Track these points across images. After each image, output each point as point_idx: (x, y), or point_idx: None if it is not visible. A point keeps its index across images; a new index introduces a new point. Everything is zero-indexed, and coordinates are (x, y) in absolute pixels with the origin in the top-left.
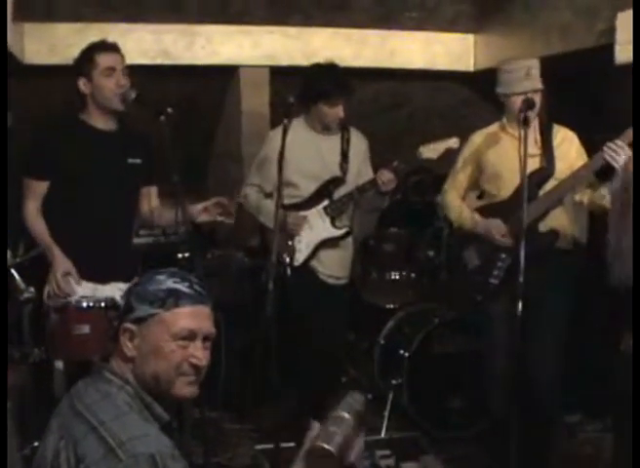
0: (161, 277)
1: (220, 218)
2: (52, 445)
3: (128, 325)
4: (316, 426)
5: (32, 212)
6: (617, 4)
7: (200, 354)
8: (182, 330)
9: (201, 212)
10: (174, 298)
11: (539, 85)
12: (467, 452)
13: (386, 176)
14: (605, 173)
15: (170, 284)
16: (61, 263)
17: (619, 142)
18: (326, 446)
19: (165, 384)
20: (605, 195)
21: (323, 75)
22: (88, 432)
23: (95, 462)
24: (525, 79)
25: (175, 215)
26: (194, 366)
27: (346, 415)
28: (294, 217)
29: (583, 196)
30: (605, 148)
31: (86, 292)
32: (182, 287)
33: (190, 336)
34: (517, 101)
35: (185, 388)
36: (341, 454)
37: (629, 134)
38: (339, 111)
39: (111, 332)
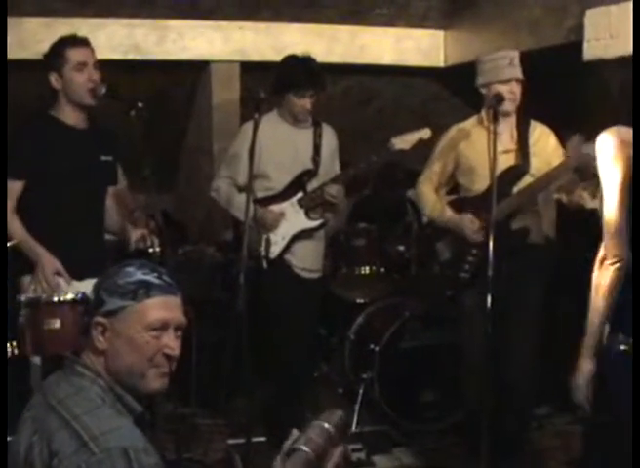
0: (130, 269)
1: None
2: (25, 439)
3: (99, 318)
4: (295, 433)
5: (8, 212)
6: (585, 1)
7: (173, 344)
8: (155, 321)
9: (139, 239)
10: (144, 290)
11: (521, 74)
12: (438, 445)
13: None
14: (582, 170)
15: (139, 275)
16: (50, 262)
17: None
18: (304, 447)
19: (138, 377)
20: (583, 194)
21: (295, 66)
22: (61, 426)
23: (67, 456)
24: (509, 67)
25: (122, 223)
26: (167, 356)
27: (326, 425)
28: (271, 214)
29: (562, 195)
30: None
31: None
32: (152, 278)
33: (163, 327)
34: (500, 90)
35: (158, 380)
36: (319, 462)
37: None
38: (306, 103)
39: (82, 327)
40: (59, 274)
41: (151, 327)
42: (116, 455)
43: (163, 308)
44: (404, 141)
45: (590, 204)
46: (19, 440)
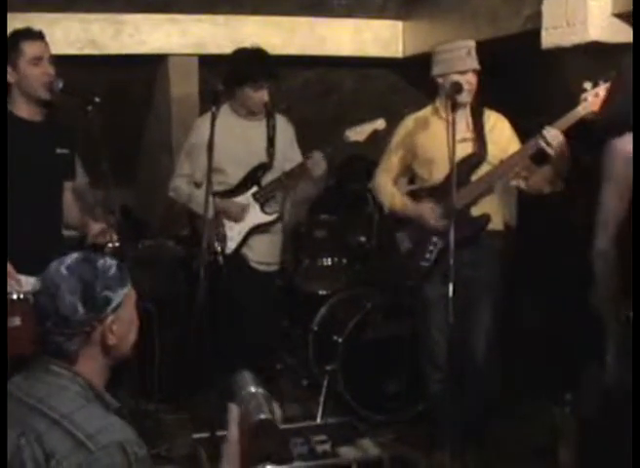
0: (100, 261)
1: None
2: (10, 442)
3: (110, 317)
4: (234, 408)
5: None
6: None
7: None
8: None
9: (98, 234)
10: (124, 271)
11: (477, 65)
12: (403, 435)
13: (316, 159)
14: (539, 156)
15: (110, 261)
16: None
17: (552, 130)
18: (264, 416)
19: (132, 349)
20: (541, 180)
21: (249, 59)
22: (50, 426)
23: (65, 456)
24: (466, 58)
25: (81, 218)
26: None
27: (254, 389)
28: (235, 205)
29: (520, 181)
30: (539, 137)
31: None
32: (115, 260)
33: None
34: (456, 80)
35: None
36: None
37: (566, 120)
38: (263, 95)
39: (79, 340)
40: (9, 276)
41: (137, 300)
42: (114, 451)
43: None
44: (358, 133)
45: (547, 189)
46: None
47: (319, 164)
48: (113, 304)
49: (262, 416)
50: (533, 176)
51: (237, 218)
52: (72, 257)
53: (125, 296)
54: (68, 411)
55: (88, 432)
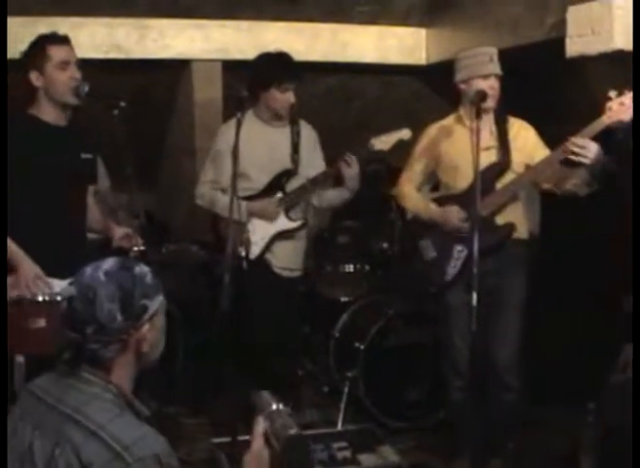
0: (137, 268)
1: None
2: (42, 450)
3: (146, 325)
4: (261, 421)
5: None
6: None
7: None
8: None
9: (123, 237)
10: (158, 278)
11: (500, 71)
12: (424, 443)
13: (350, 172)
14: (571, 161)
15: (145, 268)
16: (29, 268)
17: (579, 141)
18: (294, 431)
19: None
20: (578, 183)
21: (275, 62)
22: (88, 437)
23: (102, 467)
24: (489, 63)
25: (105, 222)
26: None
27: (276, 406)
28: (270, 204)
29: (554, 187)
30: (569, 146)
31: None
32: (147, 267)
33: None
34: (480, 85)
35: None
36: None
37: (591, 129)
38: (290, 97)
39: (116, 348)
40: (38, 278)
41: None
42: (151, 463)
43: None
44: (383, 142)
45: (583, 191)
46: (21, 446)
47: (354, 168)
48: (150, 312)
49: (292, 432)
50: (567, 180)
51: (272, 217)
52: (109, 263)
53: (160, 304)
54: (104, 422)
55: (124, 443)
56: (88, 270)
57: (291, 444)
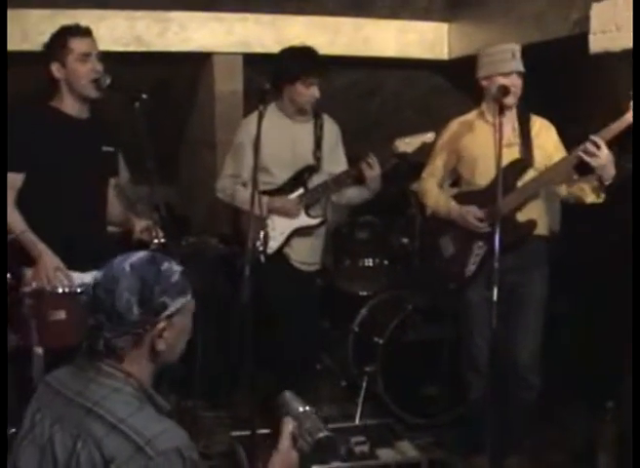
0: (165, 265)
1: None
2: (62, 444)
3: (163, 323)
4: (290, 422)
5: (8, 204)
6: None
7: None
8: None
9: (143, 230)
10: (188, 279)
11: (522, 68)
12: (442, 439)
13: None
14: (583, 166)
15: (175, 267)
16: (50, 260)
17: (596, 140)
18: (325, 434)
19: (179, 357)
20: (584, 188)
21: (300, 56)
22: (109, 431)
23: (124, 462)
24: (511, 60)
25: (125, 215)
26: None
27: (302, 408)
28: (290, 201)
29: (563, 189)
30: (583, 148)
31: (64, 281)
32: (180, 267)
33: None
34: (502, 82)
35: None
36: None
37: (609, 131)
38: (315, 92)
39: (130, 340)
40: (59, 270)
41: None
42: (173, 457)
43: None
44: (407, 144)
45: (590, 198)
46: (40, 437)
47: (375, 169)
48: (169, 311)
49: (323, 434)
50: (575, 186)
51: (292, 215)
52: (138, 256)
53: (183, 305)
54: (125, 415)
55: (146, 437)
56: (117, 260)
57: (322, 445)
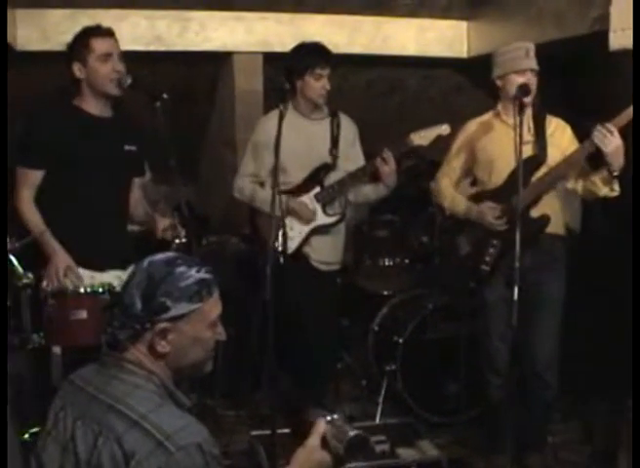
0: (183, 269)
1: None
2: (84, 440)
3: (163, 324)
4: (322, 422)
5: (27, 202)
6: None
7: (222, 329)
8: (216, 317)
9: (167, 229)
10: (206, 289)
11: (537, 66)
12: (462, 437)
13: (387, 170)
14: (596, 159)
15: (196, 274)
16: (62, 259)
17: (608, 126)
18: (356, 432)
19: (199, 368)
20: (595, 181)
21: (306, 50)
22: (130, 426)
23: (145, 457)
24: (525, 58)
25: (149, 214)
26: (217, 341)
27: (333, 416)
28: (305, 208)
29: (576, 184)
30: (595, 132)
31: (86, 281)
32: (206, 275)
33: (219, 318)
34: (517, 80)
35: (210, 364)
36: None
37: (621, 118)
38: (324, 84)
39: (129, 333)
40: (70, 270)
41: (213, 323)
42: (193, 452)
43: (219, 302)
44: (422, 137)
45: (603, 192)
46: (62, 436)
47: (390, 165)
48: (170, 313)
49: (353, 433)
50: (587, 179)
51: (307, 221)
52: (162, 255)
53: (192, 312)
54: (146, 411)
55: (166, 432)
56: (148, 258)
57: (353, 443)
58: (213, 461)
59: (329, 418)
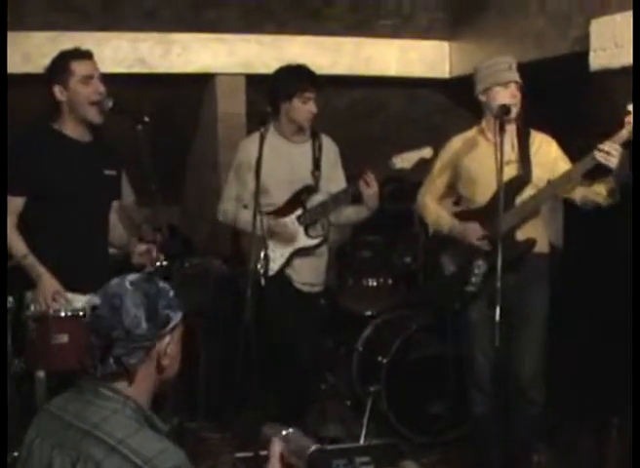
0: (160, 282)
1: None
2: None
3: (167, 337)
4: (277, 442)
5: (9, 228)
6: (590, 11)
7: None
8: None
9: (143, 253)
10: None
11: (519, 79)
12: (448, 457)
13: (369, 192)
14: (594, 173)
15: (169, 285)
16: (49, 284)
17: (610, 143)
18: (316, 447)
19: (173, 380)
20: (600, 192)
21: (294, 73)
22: (109, 452)
23: None
24: (508, 71)
25: (126, 238)
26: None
27: (290, 429)
28: (285, 230)
29: (574, 194)
30: (596, 152)
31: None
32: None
33: None
34: (500, 94)
35: None
36: None
37: (620, 136)
38: (312, 107)
39: (140, 355)
40: (58, 295)
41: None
42: None
43: None
44: (405, 160)
45: (606, 201)
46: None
47: (372, 187)
48: (172, 324)
49: (314, 448)
50: (589, 190)
51: (287, 242)
52: (134, 276)
53: (180, 319)
54: (124, 436)
55: (146, 457)
56: (114, 281)
57: (314, 459)
58: None
59: (284, 433)
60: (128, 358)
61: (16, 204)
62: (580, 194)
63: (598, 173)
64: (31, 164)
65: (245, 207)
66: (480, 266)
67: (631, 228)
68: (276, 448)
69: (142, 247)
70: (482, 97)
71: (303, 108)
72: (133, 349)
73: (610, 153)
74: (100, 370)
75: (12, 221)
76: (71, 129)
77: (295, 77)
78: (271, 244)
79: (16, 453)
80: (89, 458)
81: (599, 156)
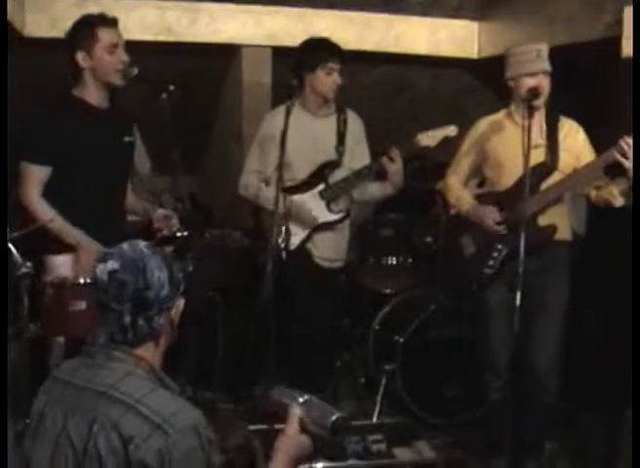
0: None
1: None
2: (78, 431)
3: (174, 311)
4: (296, 408)
5: (36, 199)
6: None
7: None
8: None
9: (161, 219)
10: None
11: (549, 67)
12: (460, 439)
13: (394, 168)
14: (614, 168)
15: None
16: (93, 245)
17: (629, 140)
18: (337, 415)
19: None
20: (613, 192)
21: (319, 44)
22: (126, 411)
23: (143, 440)
24: (536, 60)
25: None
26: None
27: (308, 397)
28: (304, 211)
29: (590, 190)
30: (618, 146)
31: None
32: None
33: None
34: (528, 83)
35: None
36: None
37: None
38: (336, 79)
39: (165, 315)
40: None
41: None
42: (189, 433)
43: None
44: (430, 138)
45: (619, 202)
46: (52, 430)
47: (397, 164)
48: (182, 288)
49: (335, 416)
50: (604, 189)
51: (307, 219)
52: (138, 242)
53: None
54: (140, 396)
55: (163, 415)
56: (126, 246)
57: (338, 426)
58: (209, 444)
59: (302, 399)
60: (159, 319)
61: (41, 174)
62: (594, 192)
63: (617, 172)
64: (56, 133)
65: (266, 183)
66: (500, 250)
67: (631, 228)
68: (295, 411)
69: (160, 212)
70: (510, 83)
71: (328, 79)
72: (160, 310)
73: (626, 154)
74: (131, 334)
75: (37, 190)
76: (92, 95)
77: (319, 48)
78: (292, 219)
79: (28, 421)
80: (105, 418)
81: (616, 152)
